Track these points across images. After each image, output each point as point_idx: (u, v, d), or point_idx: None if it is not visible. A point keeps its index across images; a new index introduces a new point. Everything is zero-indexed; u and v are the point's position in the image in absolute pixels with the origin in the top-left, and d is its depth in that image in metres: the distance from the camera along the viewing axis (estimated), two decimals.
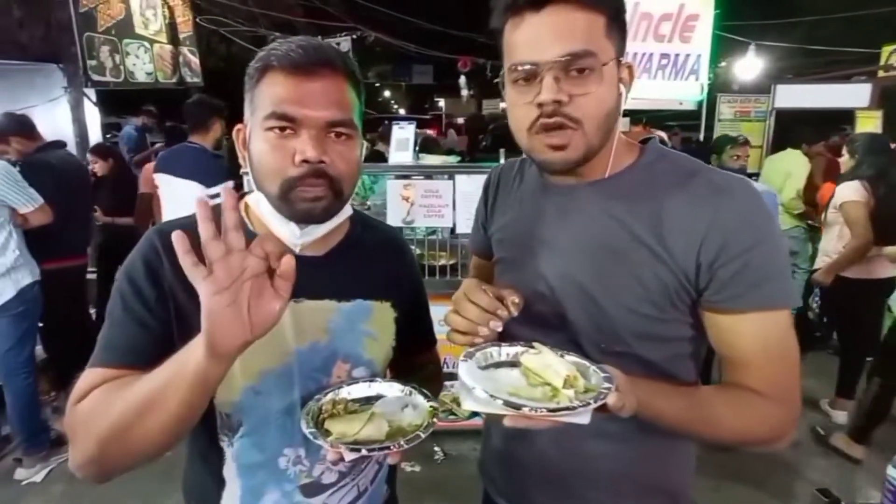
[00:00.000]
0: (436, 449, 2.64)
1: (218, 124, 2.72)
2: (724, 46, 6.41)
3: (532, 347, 0.69)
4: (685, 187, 0.71)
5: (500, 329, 0.68)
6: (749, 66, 6.84)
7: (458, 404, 2.39)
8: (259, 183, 0.72)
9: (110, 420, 0.60)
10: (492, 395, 0.57)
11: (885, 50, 6.55)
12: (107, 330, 0.71)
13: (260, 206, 0.75)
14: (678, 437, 0.75)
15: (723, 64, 8.47)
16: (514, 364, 0.68)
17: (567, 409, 0.56)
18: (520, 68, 0.69)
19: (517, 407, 0.56)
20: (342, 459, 0.63)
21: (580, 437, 0.63)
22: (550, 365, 0.64)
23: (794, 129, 4.54)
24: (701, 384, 0.80)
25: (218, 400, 0.72)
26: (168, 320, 0.71)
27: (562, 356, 0.66)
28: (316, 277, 0.76)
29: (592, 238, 0.75)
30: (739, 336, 0.71)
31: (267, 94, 0.69)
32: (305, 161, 0.67)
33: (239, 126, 0.76)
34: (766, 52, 7.20)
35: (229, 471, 0.76)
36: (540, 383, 0.63)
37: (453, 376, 2.46)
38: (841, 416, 2.95)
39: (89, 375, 0.67)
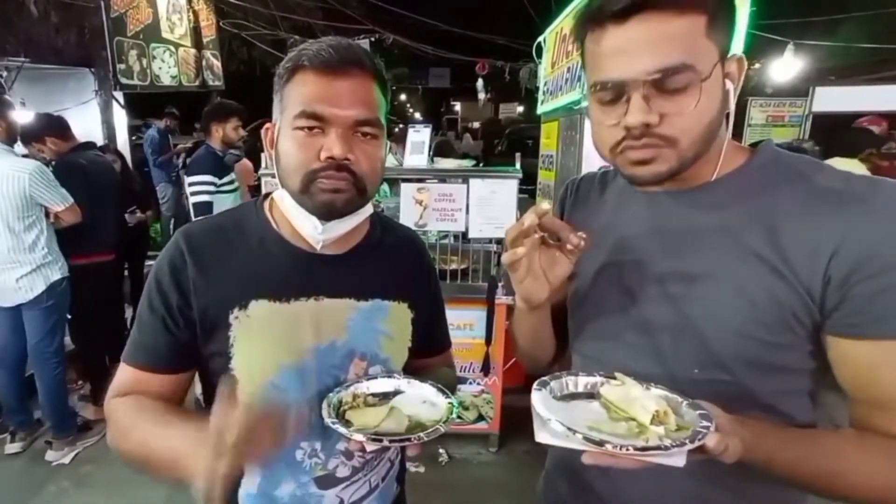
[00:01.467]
0: (441, 451, 2.67)
1: (216, 127, 3.07)
2: (757, 47, 5.90)
3: (613, 378, 0.63)
4: (811, 191, 0.61)
5: (545, 208, 0.60)
6: (786, 67, 6.04)
7: (465, 408, 2.63)
8: (283, 179, 0.74)
9: (127, 447, 0.70)
10: (570, 429, 0.52)
11: None
12: (136, 328, 0.77)
13: (284, 203, 0.77)
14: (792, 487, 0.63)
15: (756, 66, 7.71)
16: (591, 396, 0.63)
17: (658, 448, 0.50)
18: (607, 86, 0.61)
19: (599, 443, 0.50)
20: (363, 450, 0.64)
21: (667, 476, 0.54)
22: (636, 398, 0.57)
23: (832, 135, 3.98)
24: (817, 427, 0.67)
25: (239, 393, 0.69)
26: (191, 321, 0.74)
27: (648, 388, 0.59)
28: (336, 276, 0.79)
29: (691, 248, 0.66)
30: (880, 370, 0.58)
31: (297, 94, 0.70)
32: (331, 157, 0.69)
33: (267, 125, 0.77)
34: (805, 51, 6.41)
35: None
36: (623, 418, 0.57)
37: (461, 380, 2.54)
38: None
39: (122, 372, 0.76)
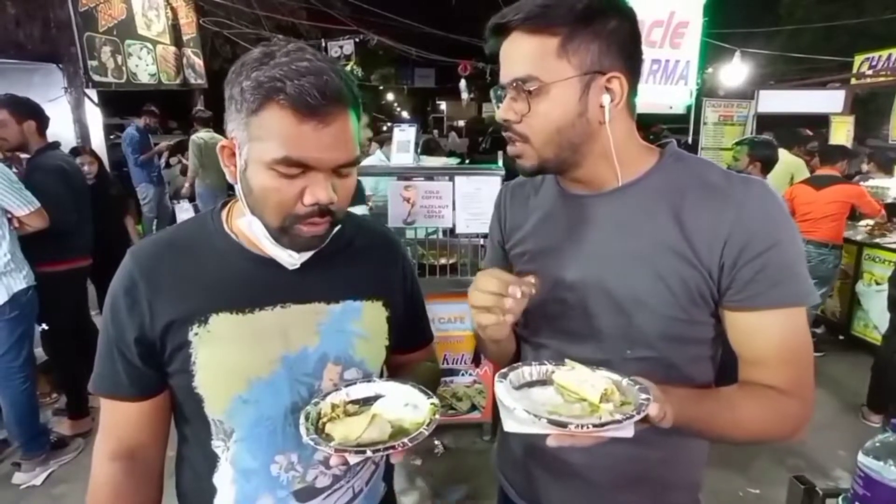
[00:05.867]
0: (436, 443, 2.63)
1: None
2: (710, 53, 6.49)
3: (563, 364, 0.67)
4: (705, 189, 0.70)
5: (518, 296, 0.64)
6: (735, 71, 6.83)
7: (459, 399, 2.61)
8: (258, 212, 0.68)
9: None
10: (535, 415, 0.55)
11: (858, 59, 6.98)
12: (97, 356, 0.73)
13: (253, 229, 0.70)
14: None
15: (709, 70, 8.58)
16: (545, 382, 0.67)
17: (612, 423, 0.54)
18: (496, 87, 0.73)
19: (562, 425, 0.54)
20: (346, 463, 0.60)
21: (603, 441, 0.60)
22: (586, 380, 0.62)
23: (772, 132, 4.80)
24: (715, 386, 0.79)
25: (207, 409, 0.71)
26: (150, 346, 0.70)
27: (594, 371, 0.64)
28: (303, 281, 0.74)
29: (616, 245, 0.73)
30: (759, 334, 0.70)
31: (275, 133, 0.62)
32: (316, 203, 0.65)
33: (225, 142, 0.68)
34: (749, 58, 7.30)
35: (223, 477, 0.74)
36: (576, 399, 0.61)
37: (453, 371, 2.76)
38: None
39: (101, 407, 0.75)
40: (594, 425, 0.54)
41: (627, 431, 0.56)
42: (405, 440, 0.60)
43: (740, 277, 0.67)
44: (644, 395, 0.58)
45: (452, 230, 2.54)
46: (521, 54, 0.68)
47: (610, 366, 0.70)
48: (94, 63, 3.69)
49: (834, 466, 2.48)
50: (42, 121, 2.54)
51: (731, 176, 0.71)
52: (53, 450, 2.50)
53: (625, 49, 0.70)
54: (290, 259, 0.72)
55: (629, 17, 0.70)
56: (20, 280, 2.30)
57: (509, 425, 0.58)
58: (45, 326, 2.62)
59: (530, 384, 0.66)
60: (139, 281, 0.70)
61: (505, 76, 0.70)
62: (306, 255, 0.73)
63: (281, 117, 0.61)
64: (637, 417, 0.55)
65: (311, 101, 0.60)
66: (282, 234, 0.67)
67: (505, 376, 0.65)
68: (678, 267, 0.69)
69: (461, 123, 17.21)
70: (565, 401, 0.62)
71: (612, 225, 0.74)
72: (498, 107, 0.73)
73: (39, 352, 2.68)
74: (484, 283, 0.66)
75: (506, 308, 0.64)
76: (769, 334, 0.69)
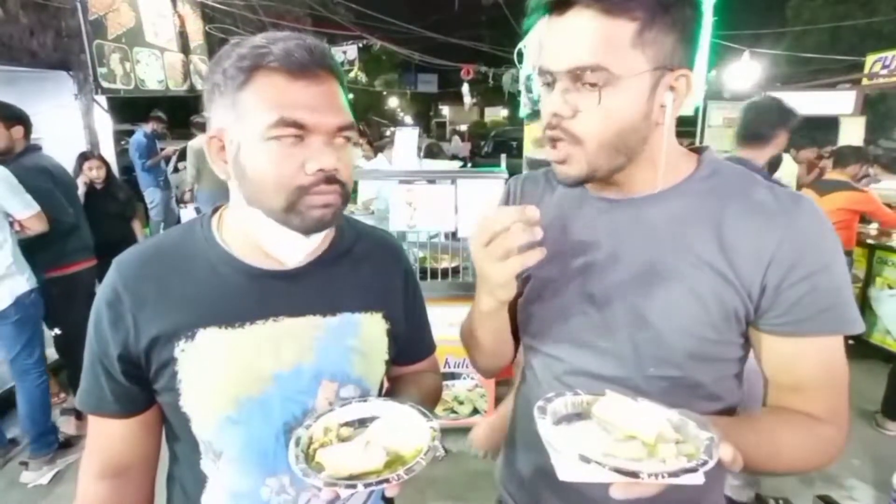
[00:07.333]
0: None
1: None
2: (714, 55, 6.47)
3: (599, 394, 0.60)
4: (749, 203, 0.64)
5: (537, 216, 0.57)
6: (745, 71, 6.41)
7: (460, 402, 2.55)
8: (256, 196, 0.63)
9: None
10: (598, 462, 0.48)
11: (870, 59, 6.77)
12: (83, 371, 0.70)
13: (251, 221, 0.66)
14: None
15: (712, 72, 8.65)
16: (581, 415, 0.59)
17: (687, 471, 0.47)
18: (542, 73, 0.63)
19: (631, 474, 0.47)
20: (338, 497, 0.56)
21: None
22: (635, 416, 0.55)
23: None
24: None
25: (195, 428, 0.67)
26: (134, 362, 0.66)
27: (636, 401, 0.57)
28: (297, 292, 0.69)
29: (647, 255, 0.66)
30: (799, 361, 0.64)
31: (266, 99, 0.59)
32: (321, 170, 0.61)
33: (212, 134, 0.65)
34: (756, 59, 7.16)
35: (212, 498, 0.70)
36: (625, 437, 0.54)
37: (455, 375, 2.62)
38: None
39: (88, 422, 0.71)
40: (668, 473, 0.47)
41: (699, 478, 0.48)
42: (401, 472, 0.54)
43: (784, 300, 0.61)
44: (704, 434, 0.51)
45: (455, 233, 2.50)
46: (588, 37, 0.57)
47: (631, 382, 0.66)
48: (104, 70, 3.73)
49: (848, 475, 2.34)
50: (27, 126, 2.55)
51: (777, 191, 0.65)
52: (60, 449, 2.51)
53: (694, 43, 0.61)
54: (295, 250, 0.68)
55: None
56: (23, 283, 2.30)
57: (565, 473, 0.50)
58: (57, 331, 2.64)
59: (567, 418, 0.59)
60: (123, 294, 0.65)
61: (558, 61, 0.59)
62: (315, 242, 0.68)
63: (270, 80, 0.60)
64: (712, 463, 0.48)
65: (300, 58, 0.59)
66: (290, 213, 0.62)
67: (544, 412, 0.57)
68: (715, 284, 0.63)
69: (463, 128, 17.29)
70: (615, 439, 0.54)
71: (644, 233, 0.67)
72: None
73: (49, 352, 2.71)
74: (491, 225, 0.57)
75: (519, 241, 0.56)
76: (810, 362, 0.63)
